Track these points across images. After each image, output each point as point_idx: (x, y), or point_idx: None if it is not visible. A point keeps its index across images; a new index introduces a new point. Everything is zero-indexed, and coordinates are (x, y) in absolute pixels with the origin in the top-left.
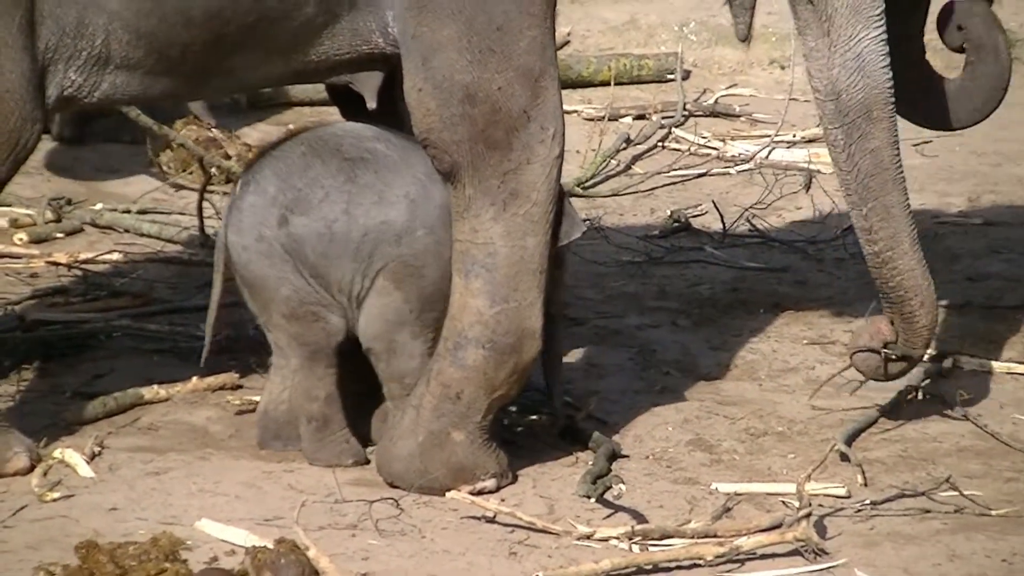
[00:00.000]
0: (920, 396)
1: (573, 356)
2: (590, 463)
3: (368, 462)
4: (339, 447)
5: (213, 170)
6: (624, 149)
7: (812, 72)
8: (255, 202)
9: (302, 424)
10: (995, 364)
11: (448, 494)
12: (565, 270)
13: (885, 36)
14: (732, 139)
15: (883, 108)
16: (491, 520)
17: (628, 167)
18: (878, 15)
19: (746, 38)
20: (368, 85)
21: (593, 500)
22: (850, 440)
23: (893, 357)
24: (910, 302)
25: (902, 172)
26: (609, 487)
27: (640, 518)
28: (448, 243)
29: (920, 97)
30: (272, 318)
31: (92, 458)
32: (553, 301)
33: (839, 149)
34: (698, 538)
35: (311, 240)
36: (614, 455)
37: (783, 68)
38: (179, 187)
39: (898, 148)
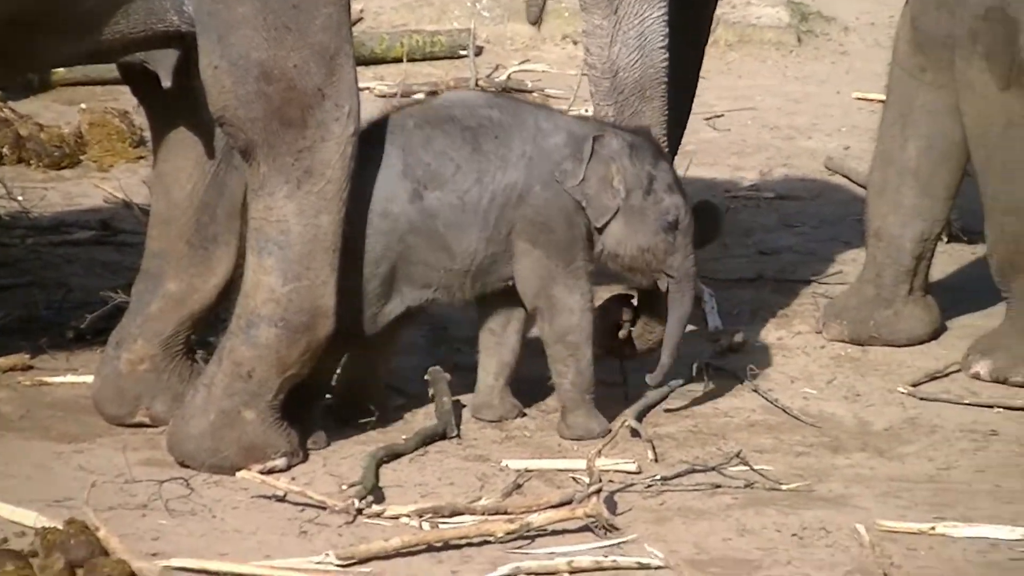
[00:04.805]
0: (711, 371)
1: None
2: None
3: None
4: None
5: (3, 150)
6: None
7: (591, 49)
8: (380, 176)
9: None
10: (785, 338)
11: (239, 473)
12: (687, 238)
13: (667, 17)
14: None
15: (656, 88)
16: (282, 499)
17: None
18: None
19: (537, 21)
20: (163, 64)
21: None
22: (641, 416)
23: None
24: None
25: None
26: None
27: (430, 495)
28: (563, 194)
29: None
30: None
31: None
32: (675, 267)
33: None
34: (488, 515)
35: (444, 213)
36: (396, 455)
37: (575, 43)
38: None
39: (666, 129)
